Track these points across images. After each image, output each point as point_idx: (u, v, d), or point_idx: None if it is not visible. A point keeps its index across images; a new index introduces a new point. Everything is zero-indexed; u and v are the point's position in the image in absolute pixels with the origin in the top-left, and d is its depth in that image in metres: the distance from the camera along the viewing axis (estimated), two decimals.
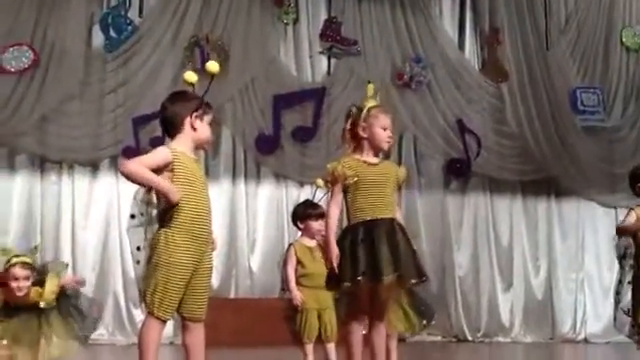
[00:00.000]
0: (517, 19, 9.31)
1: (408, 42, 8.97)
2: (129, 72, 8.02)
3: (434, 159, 9.03)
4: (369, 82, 4.07)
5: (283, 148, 8.41)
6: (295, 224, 5.09)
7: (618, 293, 4.72)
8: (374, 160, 3.62)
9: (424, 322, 5.25)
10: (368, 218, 3.50)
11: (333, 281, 3.58)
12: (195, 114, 3.15)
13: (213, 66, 3.33)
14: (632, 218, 4.61)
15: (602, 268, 9.16)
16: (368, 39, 8.82)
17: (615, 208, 9.45)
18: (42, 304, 3.86)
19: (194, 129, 3.14)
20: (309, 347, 4.94)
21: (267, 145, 8.36)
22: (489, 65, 9.41)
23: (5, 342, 3.91)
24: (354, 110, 3.66)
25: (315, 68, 8.81)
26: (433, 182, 8.98)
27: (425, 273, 3.61)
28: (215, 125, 3.39)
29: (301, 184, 8.51)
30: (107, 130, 7.94)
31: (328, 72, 8.83)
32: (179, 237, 3.02)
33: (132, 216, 3.16)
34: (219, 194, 7.99)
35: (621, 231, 4.68)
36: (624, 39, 9.63)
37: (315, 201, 5.02)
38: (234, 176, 8.32)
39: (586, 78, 9.58)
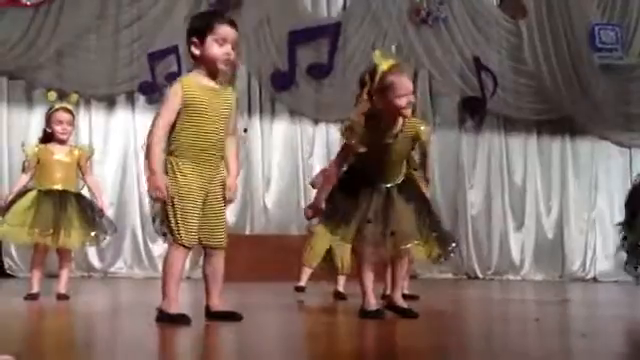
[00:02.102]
0: None
1: None
2: (144, 7, 7.97)
3: (449, 97, 9.00)
4: (374, 49, 3.76)
5: (298, 85, 8.40)
6: None
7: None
8: (392, 132, 3.37)
9: (448, 248, 5.38)
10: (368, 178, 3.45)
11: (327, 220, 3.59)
12: (191, 40, 3.08)
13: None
14: None
15: (614, 208, 9.18)
16: None
17: (629, 148, 9.43)
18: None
19: (194, 56, 3.10)
20: (305, 270, 5.12)
21: (282, 82, 8.35)
22: (507, 1, 9.25)
23: (37, 231, 4.30)
24: (367, 78, 3.35)
25: (331, 3, 8.71)
26: (448, 120, 8.97)
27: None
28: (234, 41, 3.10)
29: (316, 121, 8.53)
30: (123, 65, 7.96)
31: (344, 7, 8.73)
32: (183, 163, 3.06)
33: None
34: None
35: None
36: None
37: None
38: (249, 113, 8.35)
39: (605, 14, 9.40)
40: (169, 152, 3.09)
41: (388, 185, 3.46)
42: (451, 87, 8.94)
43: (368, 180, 3.46)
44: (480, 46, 8.99)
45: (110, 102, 8.03)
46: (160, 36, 7.87)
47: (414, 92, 3.45)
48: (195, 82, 3.10)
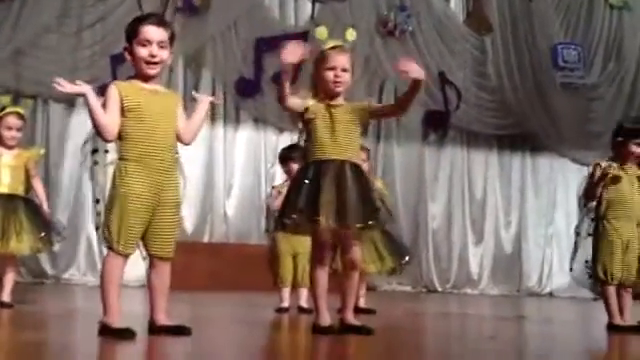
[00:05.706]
0: None
1: None
2: (108, 8, 7.83)
3: (414, 110, 8.99)
4: (317, 25, 3.85)
5: (263, 92, 8.34)
6: (282, 166, 5.16)
7: (576, 243, 4.65)
8: (335, 102, 3.44)
9: (401, 262, 5.35)
10: (319, 159, 3.41)
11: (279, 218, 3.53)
12: (125, 46, 3.10)
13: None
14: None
15: (571, 224, 9.19)
16: None
17: (587, 165, 9.55)
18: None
19: (129, 60, 3.10)
20: (284, 291, 5.02)
21: (247, 89, 8.28)
22: (473, 16, 9.34)
23: None
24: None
25: (299, 12, 8.68)
26: (411, 133, 9.00)
27: (376, 217, 3.41)
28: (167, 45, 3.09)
29: (280, 130, 8.47)
30: (84, 66, 7.78)
31: (312, 16, 8.70)
32: (131, 168, 3.00)
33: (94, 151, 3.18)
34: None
35: (588, 196, 4.53)
36: None
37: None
38: (212, 119, 8.25)
39: (568, 34, 9.55)
40: (119, 157, 3.04)
41: (341, 158, 3.41)
42: (416, 100, 8.90)
43: (319, 167, 3.40)
44: (445, 60, 9.05)
45: (69, 103, 7.86)
46: (124, 38, 7.71)
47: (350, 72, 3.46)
48: (129, 85, 3.09)
